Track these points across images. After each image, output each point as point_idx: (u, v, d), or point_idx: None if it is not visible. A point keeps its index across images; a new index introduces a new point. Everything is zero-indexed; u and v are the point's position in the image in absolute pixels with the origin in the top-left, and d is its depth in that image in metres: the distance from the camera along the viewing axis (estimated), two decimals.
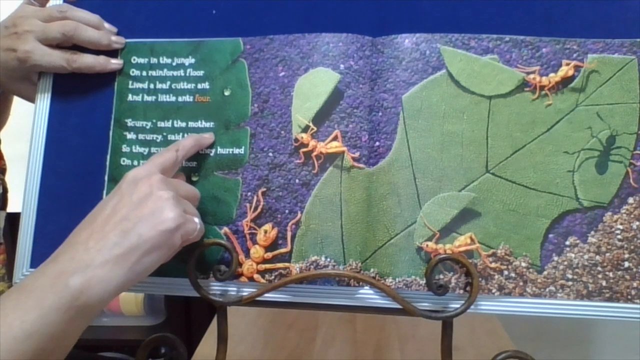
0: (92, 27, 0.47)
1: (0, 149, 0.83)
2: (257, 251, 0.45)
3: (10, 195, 0.84)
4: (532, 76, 0.44)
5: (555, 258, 0.43)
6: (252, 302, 0.44)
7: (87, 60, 0.47)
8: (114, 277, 0.36)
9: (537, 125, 0.43)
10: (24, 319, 0.33)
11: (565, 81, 0.43)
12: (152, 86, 0.48)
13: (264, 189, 0.45)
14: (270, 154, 0.45)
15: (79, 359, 0.81)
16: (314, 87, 0.45)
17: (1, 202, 0.78)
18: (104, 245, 0.37)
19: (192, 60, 0.48)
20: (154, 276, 0.46)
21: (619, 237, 0.42)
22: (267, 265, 0.44)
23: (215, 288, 0.45)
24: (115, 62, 0.48)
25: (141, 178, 0.40)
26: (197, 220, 0.41)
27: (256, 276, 0.44)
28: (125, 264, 0.37)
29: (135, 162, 0.47)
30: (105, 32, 0.48)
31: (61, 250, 0.38)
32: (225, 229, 0.45)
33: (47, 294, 0.34)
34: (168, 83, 0.48)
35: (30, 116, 0.50)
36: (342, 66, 0.45)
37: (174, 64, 0.48)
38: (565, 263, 0.43)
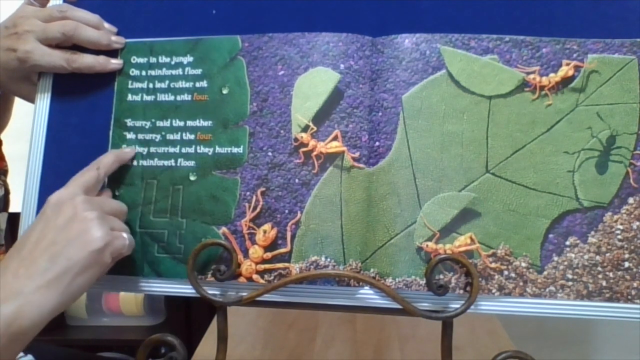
0: (92, 27, 0.48)
1: (2, 150, 0.83)
2: (256, 251, 0.44)
3: (11, 196, 0.84)
4: (532, 76, 0.44)
5: (555, 258, 0.43)
6: (252, 302, 0.44)
7: (87, 60, 0.47)
8: (48, 301, 0.37)
9: (537, 125, 0.43)
10: None
11: (565, 81, 0.43)
12: (151, 85, 0.48)
13: (263, 189, 0.45)
14: (270, 154, 0.45)
15: None
16: (313, 86, 0.45)
17: (2, 204, 0.78)
18: (34, 272, 0.37)
19: (191, 59, 0.48)
20: (154, 277, 0.46)
21: (619, 237, 0.42)
22: (267, 266, 0.44)
23: (215, 288, 0.45)
24: (115, 62, 0.48)
25: (64, 201, 0.40)
26: (125, 235, 0.42)
27: (255, 276, 0.44)
28: (58, 287, 0.37)
29: (135, 162, 0.47)
30: (105, 32, 0.48)
31: None
32: (224, 229, 0.45)
33: None
34: (167, 82, 0.48)
35: (30, 116, 0.50)
36: (342, 66, 0.45)
37: (172, 62, 0.48)
38: (566, 263, 0.42)
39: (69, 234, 0.39)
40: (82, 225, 0.39)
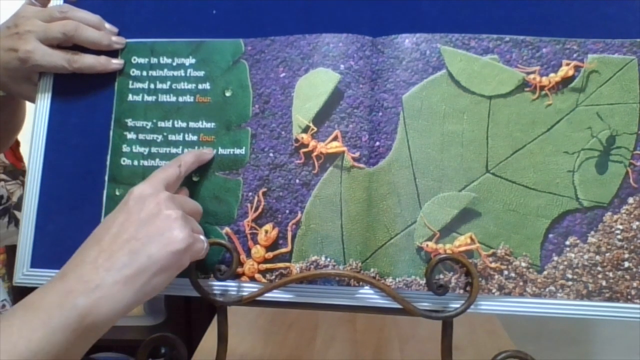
0: (93, 27, 0.48)
1: (20, 151, 0.84)
2: (258, 251, 0.45)
3: None
4: (532, 76, 0.44)
5: (555, 258, 0.43)
6: (252, 302, 0.44)
7: (88, 61, 0.48)
8: (123, 298, 0.36)
9: (537, 125, 0.43)
10: (30, 337, 0.33)
11: (565, 81, 0.43)
12: (152, 86, 0.48)
13: (265, 189, 0.45)
14: (271, 155, 0.45)
15: None
16: (314, 87, 0.45)
17: (22, 204, 0.79)
18: (112, 265, 0.36)
19: (193, 61, 0.48)
20: None
21: (619, 237, 0.42)
22: (268, 265, 0.44)
23: (215, 288, 0.45)
24: (116, 62, 0.48)
25: (148, 195, 0.39)
26: (203, 238, 0.41)
27: (257, 276, 0.44)
28: (135, 284, 0.36)
29: (136, 162, 0.47)
30: (105, 33, 0.48)
31: (69, 267, 0.37)
32: (227, 229, 0.45)
33: (54, 313, 0.34)
34: (168, 83, 0.48)
35: (30, 116, 0.50)
36: (342, 66, 0.45)
37: (174, 64, 0.48)
38: (565, 263, 0.43)
39: (151, 230, 0.37)
40: (165, 224, 0.38)
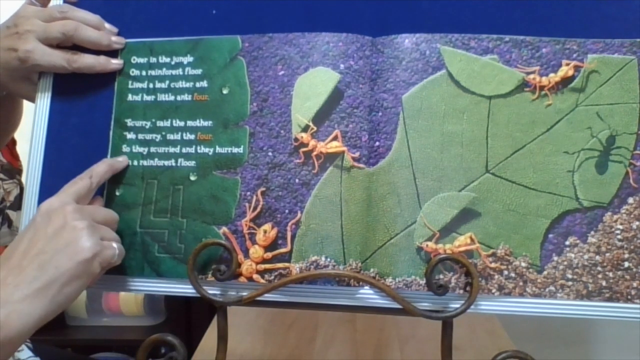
0: (92, 27, 0.48)
1: (16, 150, 0.84)
2: (256, 251, 0.45)
3: None
4: (532, 76, 0.44)
5: (555, 258, 0.43)
6: (252, 302, 0.44)
7: (88, 61, 0.48)
8: (35, 311, 0.37)
9: (537, 125, 0.43)
10: None
11: (565, 81, 0.43)
12: (151, 85, 0.48)
13: (264, 189, 0.45)
14: (270, 154, 0.45)
15: None
16: (313, 86, 0.45)
17: (19, 202, 0.79)
18: (22, 280, 0.37)
19: (191, 59, 0.48)
20: (154, 277, 0.46)
21: (619, 237, 0.42)
22: (267, 266, 0.44)
23: (215, 288, 0.45)
24: (116, 62, 0.48)
25: (55, 209, 0.40)
26: (115, 245, 0.42)
27: (255, 276, 0.44)
28: (46, 296, 0.37)
29: (135, 162, 0.47)
30: (105, 33, 0.48)
31: None
32: (224, 229, 0.45)
33: None
34: (167, 82, 0.48)
35: (30, 116, 0.50)
36: (342, 66, 0.45)
37: (172, 62, 0.48)
38: (565, 263, 0.43)
39: (58, 243, 0.39)
40: (71, 235, 0.39)
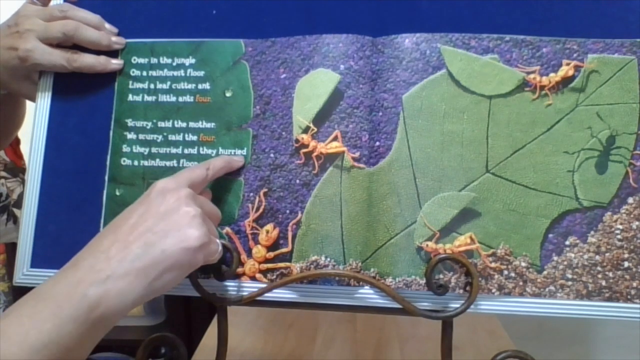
0: (93, 27, 0.48)
1: (20, 149, 0.84)
2: (259, 251, 0.45)
3: None
4: (532, 76, 0.44)
5: (555, 258, 0.43)
6: (252, 301, 0.44)
7: (88, 60, 0.48)
8: (133, 291, 0.35)
9: (537, 125, 0.43)
10: (41, 328, 0.32)
11: (566, 81, 0.43)
12: (152, 86, 0.48)
13: (266, 190, 0.45)
14: (272, 155, 0.45)
15: None
16: (314, 88, 0.45)
17: (22, 202, 0.79)
18: (125, 256, 0.35)
19: (193, 61, 0.48)
20: None
21: (619, 237, 0.42)
22: (269, 265, 0.44)
23: (215, 288, 0.45)
24: (116, 62, 0.48)
25: (170, 190, 0.39)
26: (219, 241, 0.40)
27: (258, 275, 0.45)
28: (146, 278, 0.36)
29: (136, 162, 0.47)
30: (105, 33, 0.48)
31: (82, 256, 0.36)
32: (227, 229, 0.45)
33: (64, 304, 0.33)
34: (168, 83, 0.48)
35: (30, 115, 0.50)
36: (342, 66, 0.45)
37: (174, 64, 0.48)
38: (565, 263, 0.43)
39: (168, 224, 0.37)
40: (183, 220, 0.37)
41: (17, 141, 0.83)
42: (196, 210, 0.38)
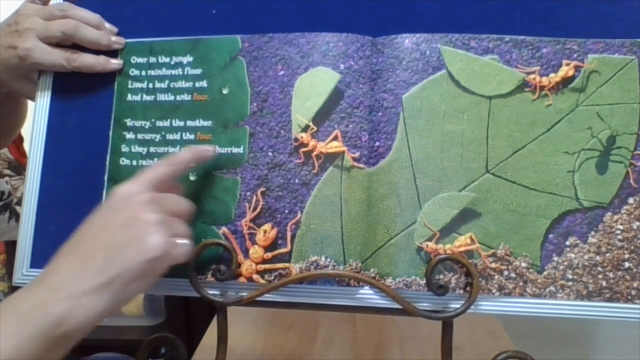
0: (93, 26, 0.48)
1: (24, 147, 0.84)
2: (256, 251, 0.44)
3: None
4: (532, 76, 0.44)
5: (556, 258, 0.43)
6: (252, 302, 0.44)
7: (87, 60, 0.48)
8: (96, 306, 0.35)
9: (537, 125, 0.43)
10: (3, 346, 0.32)
11: (566, 81, 0.43)
12: (151, 85, 0.48)
13: (263, 189, 0.45)
14: (270, 154, 0.45)
15: None
16: (313, 86, 0.45)
17: None
18: (86, 273, 0.35)
19: (190, 59, 0.48)
20: None
21: (619, 237, 0.42)
22: (267, 266, 0.44)
23: (215, 288, 0.45)
24: (115, 62, 0.48)
25: (129, 196, 0.38)
26: (185, 242, 0.39)
27: (255, 276, 0.44)
28: (108, 292, 0.35)
29: (135, 162, 0.47)
30: (105, 33, 0.48)
31: (45, 273, 0.36)
32: (224, 229, 0.45)
33: (27, 322, 0.33)
34: (166, 82, 0.48)
35: (31, 115, 0.50)
36: (342, 66, 0.45)
37: (172, 62, 0.48)
38: (566, 263, 0.42)
39: (127, 236, 0.36)
40: (141, 230, 0.37)
41: (21, 139, 0.83)
42: (156, 217, 0.37)
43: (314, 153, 0.44)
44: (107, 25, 0.48)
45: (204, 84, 0.47)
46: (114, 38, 0.48)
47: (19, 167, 0.85)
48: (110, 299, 0.36)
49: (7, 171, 0.83)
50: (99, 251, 0.36)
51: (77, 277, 0.35)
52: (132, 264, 0.36)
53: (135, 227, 0.37)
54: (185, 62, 0.48)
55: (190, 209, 0.42)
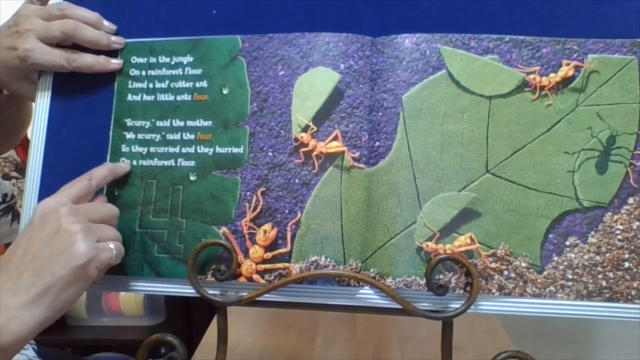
0: (91, 24, 0.47)
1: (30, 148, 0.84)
2: (256, 251, 0.44)
3: None
4: (532, 76, 0.44)
5: (556, 258, 0.43)
6: (252, 302, 0.44)
7: (87, 60, 0.48)
8: (33, 317, 0.37)
9: (537, 125, 0.43)
10: None
11: (566, 81, 0.43)
12: (151, 85, 0.48)
13: (264, 189, 0.45)
14: (270, 154, 0.45)
15: None
16: (313, 86, 0.45)
17: None
18: (19, 287, 0.37)
19: (191, 59, 0.48)
20: (154, 277, 0.46)
21: (619, 237, 0.42)
22: (267, 266, 0.44)
23: (215, 288, 0.45)
24: (115, 62, 0.48)
25: (49, 211, 0.40)
26: (112, 245, 0.41)
27: (255, 276, 0.44)
28: (43, 302, 0.38)
29: (135, 162, 0.47)
30: (104, 33, 0.48)
31: None
32: (224, 229, 0.45)
33: None
34: (167, 82, 0.48)
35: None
36: (342, 66, 0.45)
37: (172, 62, 0.48)
38: (565, 263, 0.42)
39: (52, 248, 0.38)
40: (65, 239, 0.39)
41: (28, 141, 0.83)
42: (78, 226, 0.39)
43: (314, 153, 0.44)
44: (105, 23, 0.48)
45: (204, 84, 0.47)
46: (113, 38, 0.48)
47: (25, 169, 0.85)
48: (46, 309, 0.38)
49: (14, 173, 0.83)
50: (29, 265, 0.38)
51: (11, 292, 0.37)
52: (62, 273, 0.38)
53: (59, 238, 0.39)
54: (185, 62, 0.48)
55: (114, 212, 0.44)
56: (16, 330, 0.37)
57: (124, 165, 0.47)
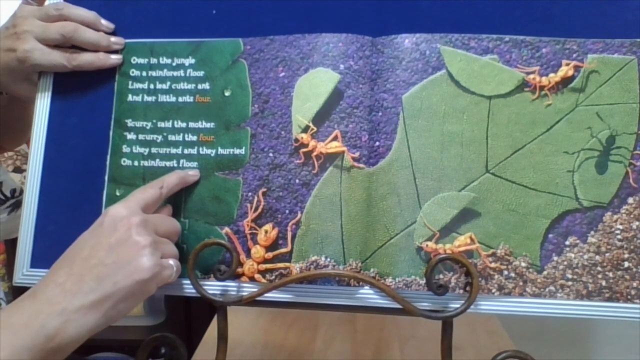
0: (89, 24, 0.47)
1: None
2: (258, 251, 0.45)
3: None
4: (532, 76, 0.44)
5: (555, 258, 0.43)
6: (252, 301, 0.44)
7: (87, 57, 0.48)
8: (88, 322, 0.37)
9: (537, 125, 0.43)
10: None
11: (565, 81, 0.43)
12: (152, 86, 0.48)
13: (265, 189, 0.45)
14: (271, 154, 0.45)
15: None
16: (314, 87, 0.45)
17: None
18: (80, 290, 0.37)
19: (192, 61, 0.48)
20: None
21: (619, 237, 0.42)
22: (268, 265, 0.44)
23: (215, 288, 0.45)
24: (115, 57, 0.48)
25: (121, 218, 0.40)
26: (173, 262, 0.41)
27: (257, 276, 0.44)
28: (100, 310, 0.37)
29: (136, 163, 0.47)
30: (104, 34, 0.48)
31: (39, 287, 0.38)
32: (227, 229, 0.45)
33: (21, 333, 0.35)
34: (168, 83, 0.48)
35: None
36: (342, 66, 0.45)
37: (174, 64, 0.48)
38: (565, 263, 0.43)
39: (119, 257, 0.38)
40: (133, 251, 0.38)
41: None
42: (147, 239, 0.39)
43: (314, 153, 0.44)
44: (103, 22, 0.48)
45: (206, 86, 0.47)
46: (113, 39, 0.48)
47: None
48: (101, 317, 0.37)
49: (25, 166, 0.83)
50: (92, 270, 0.38)
51: (71, 294, 0.37)
52: (124, 284, 0.38)
53: (127, 248, 0.38)
54: (187, 64, 0.48)
55: (177, 229, 0.44)
56: (70, 333, 0.36)
57: (193, 173, 0.46)
